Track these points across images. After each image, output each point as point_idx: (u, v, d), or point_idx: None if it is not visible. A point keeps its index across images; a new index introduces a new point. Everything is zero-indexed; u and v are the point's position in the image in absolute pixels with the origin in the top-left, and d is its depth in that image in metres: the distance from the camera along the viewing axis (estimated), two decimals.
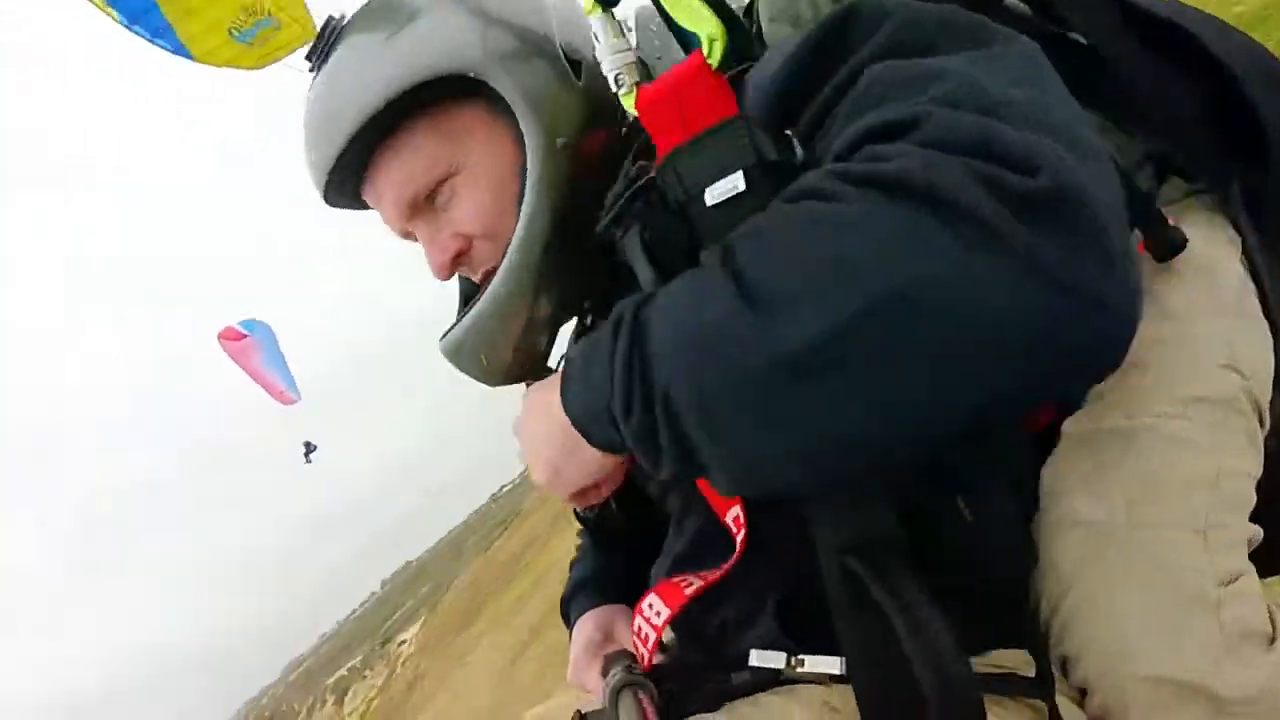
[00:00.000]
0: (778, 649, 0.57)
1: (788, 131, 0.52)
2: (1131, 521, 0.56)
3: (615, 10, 0.63)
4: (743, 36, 0.60)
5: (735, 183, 0.51)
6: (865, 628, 0.50)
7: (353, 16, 0.71)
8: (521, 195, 0.68)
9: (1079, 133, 0.41)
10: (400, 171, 0.70)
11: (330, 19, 0.71)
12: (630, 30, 0.70)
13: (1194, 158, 0.65)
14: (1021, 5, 0.66)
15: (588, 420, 0.52)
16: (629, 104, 0.59)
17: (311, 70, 0.71)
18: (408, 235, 0.75)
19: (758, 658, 0.58)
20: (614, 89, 0.61)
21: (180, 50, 3.21)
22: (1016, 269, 0.37)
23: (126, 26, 3.16)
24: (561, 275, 0.69)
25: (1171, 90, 0.62)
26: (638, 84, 0.59)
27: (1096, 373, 0.47)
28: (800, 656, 0.56)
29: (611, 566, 0.90)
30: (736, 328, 0.42)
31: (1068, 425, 0.61)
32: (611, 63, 0.61)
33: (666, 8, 0.60)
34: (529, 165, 0.67)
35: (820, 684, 0.56)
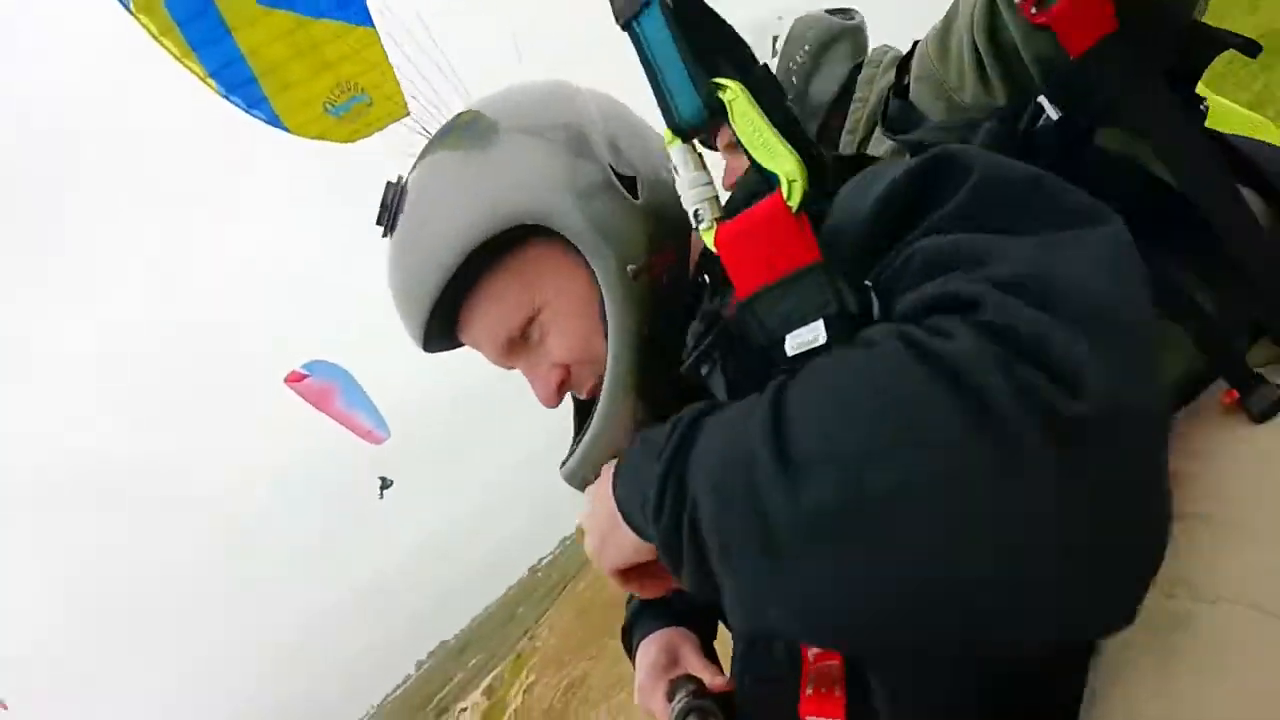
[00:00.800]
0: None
1: (867, 283, 0.51)
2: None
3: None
4: (819, 172, 0.56)
5: (816, 332, 0.50)
6: None
7: (417, 161, 0.77)
8: (604, 323, 0.73)
9: (1142, 336, 0.39)
10: (488, 319, 0.75)
11: (389, 184, 0.76)
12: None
13: None
14: (1115, 147, 0.64)
15: (628, 507, 0.56)
16: (708, 239, 0.59)
17: (384, 235, 0.76)
18: (512, 368, 0.80)
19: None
20: (693, 225, 0.61)
21: (275, 121, 3.23)
22: (1037, 490, 0.35)
23: (224, 95, 3.12)
24: (656, 390, 0.73)
25: (1269, 252, 0.57)
26: (718, 220, 0.59)
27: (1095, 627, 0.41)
28: None
29: (674, 594, 0.93)
30: (759, 471, 0.42)
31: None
32: (692, 198, 0.61)
33: (745, 146, 0.57)
34: (605, 298, 0.72)
35: None
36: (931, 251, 0.46)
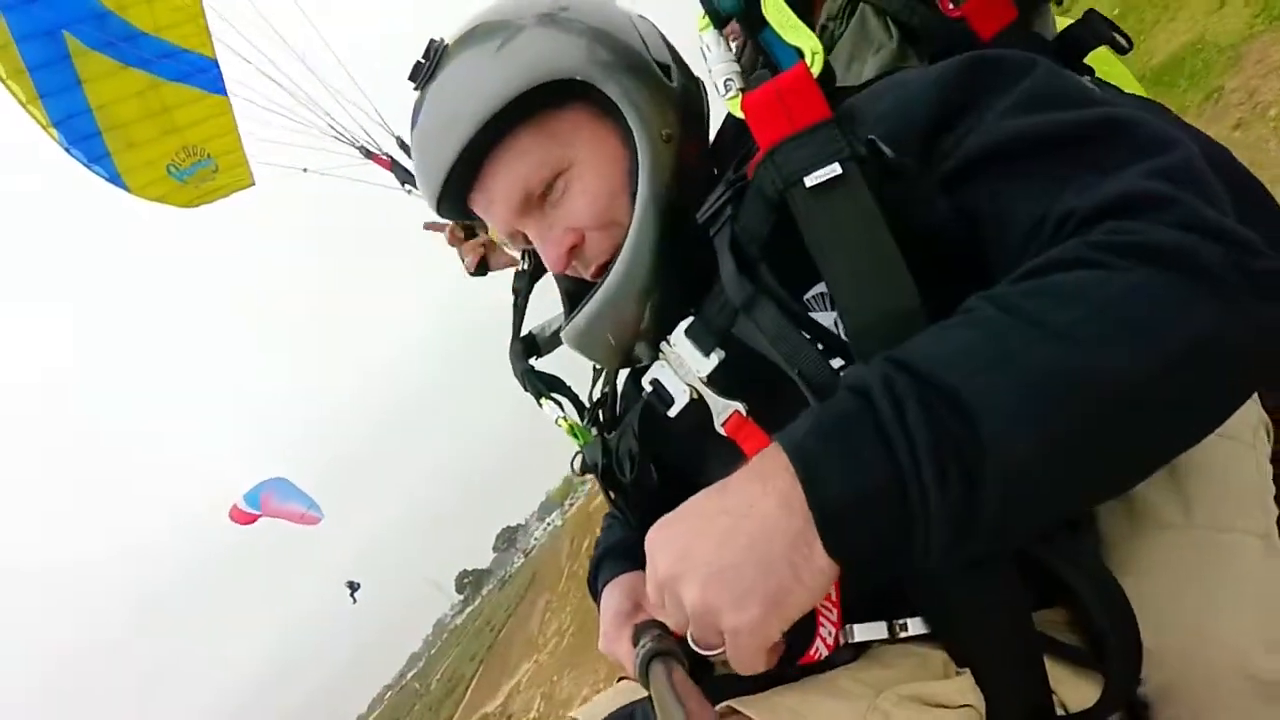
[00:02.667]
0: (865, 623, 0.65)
1: (871, 137, 0.59)
2: (1213, 525, 0.61)
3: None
4: (829, 64, 0.68)
5: (833, 171, 0.57)
6: (987, 593, 0.60)
7: (457, 37, 0.79)
8: (629, 187, 0.77)
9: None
10: (514, 171, 0.76)
11: (432, 41, 0.79)
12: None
13: None
14: None
15: (860, 504, 0.45)
16: (734, 107, 0.68)
17: (417, 88, 0.79)
18: (514, 236, 0.82)
19: (861, 631, 0.65)
20: (722, 94, 0.70)
21: (115, 179, 3.24)
22: (1255, 330, 0.47)
23: (66, 149, 3.11)
24: (673, 264, 0.76)
25: None
26: (742, 90, 0.69)
27: None
28: (902, 622, 0.65)
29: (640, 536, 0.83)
30: (1069, 362, 0.45)
31: None
32: (721, 71, 0.71)
33: (773, 25, 0.69)
34: (640, 153, 0.76)
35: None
36: (1049, 142, 0.56)
